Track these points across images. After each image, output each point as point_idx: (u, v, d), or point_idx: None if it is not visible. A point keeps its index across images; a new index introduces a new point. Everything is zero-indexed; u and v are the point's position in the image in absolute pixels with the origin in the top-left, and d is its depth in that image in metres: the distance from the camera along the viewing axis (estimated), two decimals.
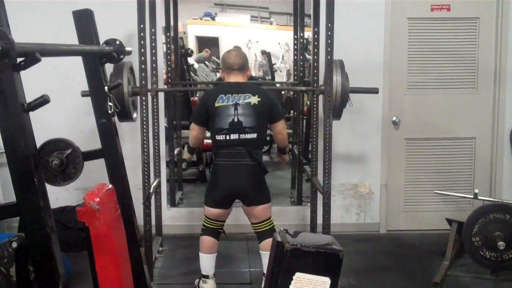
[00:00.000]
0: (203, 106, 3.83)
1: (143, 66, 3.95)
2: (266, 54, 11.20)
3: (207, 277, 3.88)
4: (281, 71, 12.26)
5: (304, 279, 2.41)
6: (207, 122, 3.84)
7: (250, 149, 3.71)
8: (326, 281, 2.45)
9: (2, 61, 1.60)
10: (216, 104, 3.73)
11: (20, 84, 1.75)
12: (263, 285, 3.87)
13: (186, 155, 4.29)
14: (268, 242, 3.68)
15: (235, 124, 3.70)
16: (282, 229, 2.63)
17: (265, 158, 8.41)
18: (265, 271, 3.80)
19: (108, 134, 2.69)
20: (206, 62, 11.56)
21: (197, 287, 3.95)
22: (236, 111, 3.71)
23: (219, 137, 3.73)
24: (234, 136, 3.70)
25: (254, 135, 3.73)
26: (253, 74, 11.32)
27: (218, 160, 3.77)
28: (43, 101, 1.79)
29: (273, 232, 3.66)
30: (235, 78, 3.84)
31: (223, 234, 3.94)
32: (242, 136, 3.71)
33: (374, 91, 4.29)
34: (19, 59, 1.69)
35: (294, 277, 2.42)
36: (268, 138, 8.27)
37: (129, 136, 4.75)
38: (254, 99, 3.73)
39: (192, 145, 4.08)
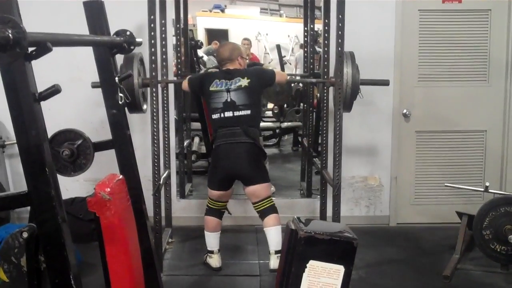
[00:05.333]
0: (200, 81, 4.18)
1: (153, 58, 3.96)
2: (276, 47, 11.16)
3: (212, 252, 4.16)
4: (290, 63, 12.24)
5: (318, 267, 2.42)
6: (196, 91, 4.30)
7: (245, 128, 3.95)
8: (340, 269, 2.45)
9: (14, 50, 1.60)
10: (211, 88, 4.04)
11: (31, 74, 1.75)
12: (271, 262, 4.03)
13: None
14: (271, 217, 4.02)
15: (228, 103, 3.99)
16: (295, 216, 2.63)
17: (274, 150, 8.42)
18: (270, 249, 4.04)
19: (119, 125, 2.69)
20: (215, 55, 11.54)
21: (205, 262, 4.22)
22: (228, 94, 4.00)
23: (215, 116, 4.01)
24: (228, 114, 3.97)
25: (248, 111, 3.98)
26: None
27: (216, 142, 4.01)
28: (54, 90, 1.79)
29: (274, 209, 4.04)
30: (227, 67, 4.15)
31: (227, 213, 4.22)
32: (236, 113, 3.97)
33: (385, 83, 4.27)
34: (30, 49, 1.70)
35: (308, 265, 2.42)
36: (277, 131, 8.34)
37: (138, 127, 4.76)
38: (244, 81, 4.00)
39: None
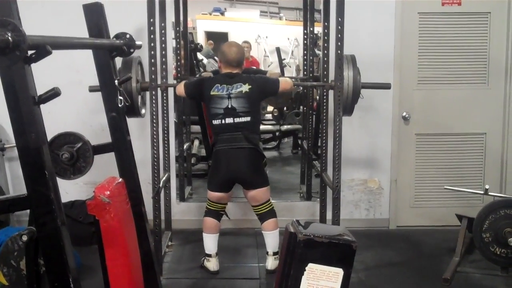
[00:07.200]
0: (199, 87, 4.14)
1: (152, 61, 3.96)
2: (276, 50, 11.16)
3: (210, 255, 4.19)
4: (290, 66, 12.24)
5: (317, 270, 2.42)
6: (193, 96, 4.28)
7: (246, 133, 4.00)
8: (339, 272, 2.45)
9: (14, 53, 1.61)
10: (212, 93, 4.03)
11: (31, 77, 1.75)
12: (268, 262, 4.13)
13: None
14: (269, 222, 4.13)
15: (229, 109, 4.00)
16: (294, 219, 2.63)
17: (274, 153, 8.42)
18: (268, 250, 4.16)
19: (118, 128, 2.69)
20: (216, 58, 11.55)
21: (202, 265, 4.23)
22: (229, 100, 4.00)
23: (216, 122, 4.03)
24: (229, 120, 4.00)
25: (248, 118, 4.01)
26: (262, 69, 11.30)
27: (217, 146, 4.05)
28: (54, 93, 1.79)
29: (272, 214, 4.16)
30: (231, 70, 4.12)
31: (225, 216, 4.28)
32: (237, 119, 4.00)
33: (387, 86, 4.27)
34: (30, 52, 1.70)
35: (307, 268, 2.42)
36: (277, 134, 8.34)
37: (138, 130, 4.74)
38: (245, 87, 4.02)
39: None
